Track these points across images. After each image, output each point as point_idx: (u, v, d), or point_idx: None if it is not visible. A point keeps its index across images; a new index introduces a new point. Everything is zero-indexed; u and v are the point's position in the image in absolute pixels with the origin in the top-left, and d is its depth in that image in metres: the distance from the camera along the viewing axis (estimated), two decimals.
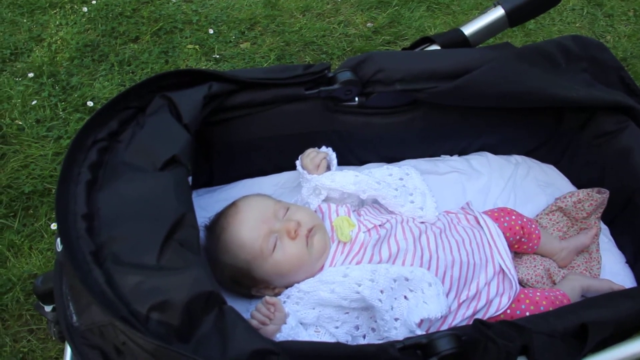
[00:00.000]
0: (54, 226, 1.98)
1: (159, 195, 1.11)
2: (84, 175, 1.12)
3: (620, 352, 1.13)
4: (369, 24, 2.81)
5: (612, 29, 2.98)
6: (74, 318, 1.03)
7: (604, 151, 1.61)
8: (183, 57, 2.57)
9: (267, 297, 1.22)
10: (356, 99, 1.50)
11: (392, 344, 1.07)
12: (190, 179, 1.21)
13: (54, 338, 1.76)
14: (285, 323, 1.20)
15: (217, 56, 2.60)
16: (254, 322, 1.19)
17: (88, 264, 1.00)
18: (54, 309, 1.45)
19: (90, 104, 2.32)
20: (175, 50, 2.59)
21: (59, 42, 2.52)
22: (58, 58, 2.46)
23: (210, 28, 2.69)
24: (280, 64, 2.57)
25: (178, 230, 1.07)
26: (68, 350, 1.35)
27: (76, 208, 1.07)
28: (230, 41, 2.67)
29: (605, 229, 1.66)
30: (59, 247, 1.08)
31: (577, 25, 2.99)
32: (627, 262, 1.60)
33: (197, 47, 2.61)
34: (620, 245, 1.63)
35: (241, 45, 2.67)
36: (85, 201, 1.08)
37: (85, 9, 2.65)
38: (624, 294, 1.29)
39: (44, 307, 1.43)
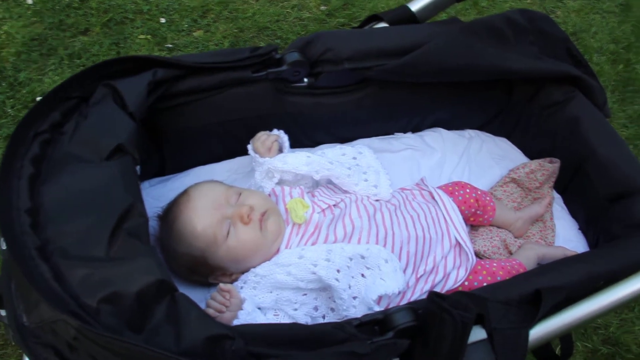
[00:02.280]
0: None
1: (105, 185, 1.09)
2: (27, 169, 1.09)
3: (573, 314, 1.15)
4: (322, 7, 2.80)
5: (561, 4, 3.03)
6: (24, 317, 1.01)
7: (554, 121, 1.63)
8: (135, 47, 2.52)
9: (222, 285, 1.21)
10: (305, 79, 1.50)
11: (349, 321, 1.07)
12: (138, 168, 1.19)
13: (13, 343, 1.72)
14: (241, 309, 1.20)
15: (170, 45, 2.56)
16: (210, 311, 1.18)
17: (34, 260, 0.98)
18: None
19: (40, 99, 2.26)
20: (127, 41, 2.54)
21: (3, 36, 2.45)
22: (4, 53, 2.39)
23: (162, 17, 2.65)
24: (228, 48, 2.54)
25: (126, 220, 1.05)
26: None
27: (19, 203, 1.04)
28: (183, 30, 2.63)
29: (558, 197, 1.69)
30: (4, 246, 1.05)
31: (528, 1, 3.02)
32: (580, 228, 1.63)
33: (149, 37, 2.57)
34: (573, 212, 1.66)
35: (194, 34, 2.63)
36: (28, 195, 1.06)
37: (30, 1, 2.57)
38: (575, 258, 1.32)
39: None
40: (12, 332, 1.56)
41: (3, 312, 1.43)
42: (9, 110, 2.22)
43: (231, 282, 1.33)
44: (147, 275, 0.96)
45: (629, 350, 1.96)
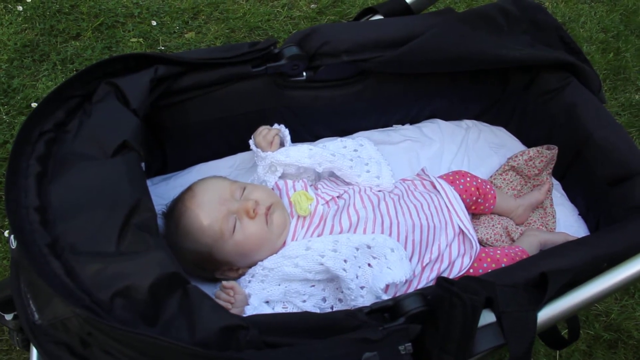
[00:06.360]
0: (7, 233, 1.92)
1: (112, 182, 1.09)
2: (33, 167, 1.08)
3: (579, 296, 1.16)
4: (312, 5, 2.81)
5: None
6: (36, 316, 1.00)
7: (550, 108, 1.65)
8: (127, 51, 2.51)
9: (224, 282, 1.22)
10: (304, 73, 1.50)
11: (360, 309, 1.08)
12: (143, 164, 1.19)
13: (18, 348, 1.71)
14: (247, 304, 1.21)
15: (163, 48, 2.55)
16: None
17: (45, 257, 0.98)
18: (15, 317, 1.41)
19: (35, 105, 2.25)
20: (119, 44, 2.53)
21: None
22: None
23: (153, 20, 2.64)
24: (227, 44, 2.54)
25: (135, 215, 1.05)
26: (34, 355, 1.32)
27: (27, 201, 1.04)
28: (175, 32, 2.63)
29: (557, 184, 1.70)
30: (13, 244, 1.05)
31: None
32: (580, 214, 1.65)
33: (141, 40, 2.56)
34: (572, 198, 1.68)
35: (186, 35, 2.63)
36: (36, 194, 1.05)
37: (20, 8, 2.56)
38: (578, 242, 1.33)
39: (4, 316, 1.39)
40: (16, 337, 1.56)
41: (8, 317, 1.43)
42: (4, 117, 2.21)
43: (238, 277, 1.33)
44: (159, 268, 0.96)
45: (630, 336, 1.98)
